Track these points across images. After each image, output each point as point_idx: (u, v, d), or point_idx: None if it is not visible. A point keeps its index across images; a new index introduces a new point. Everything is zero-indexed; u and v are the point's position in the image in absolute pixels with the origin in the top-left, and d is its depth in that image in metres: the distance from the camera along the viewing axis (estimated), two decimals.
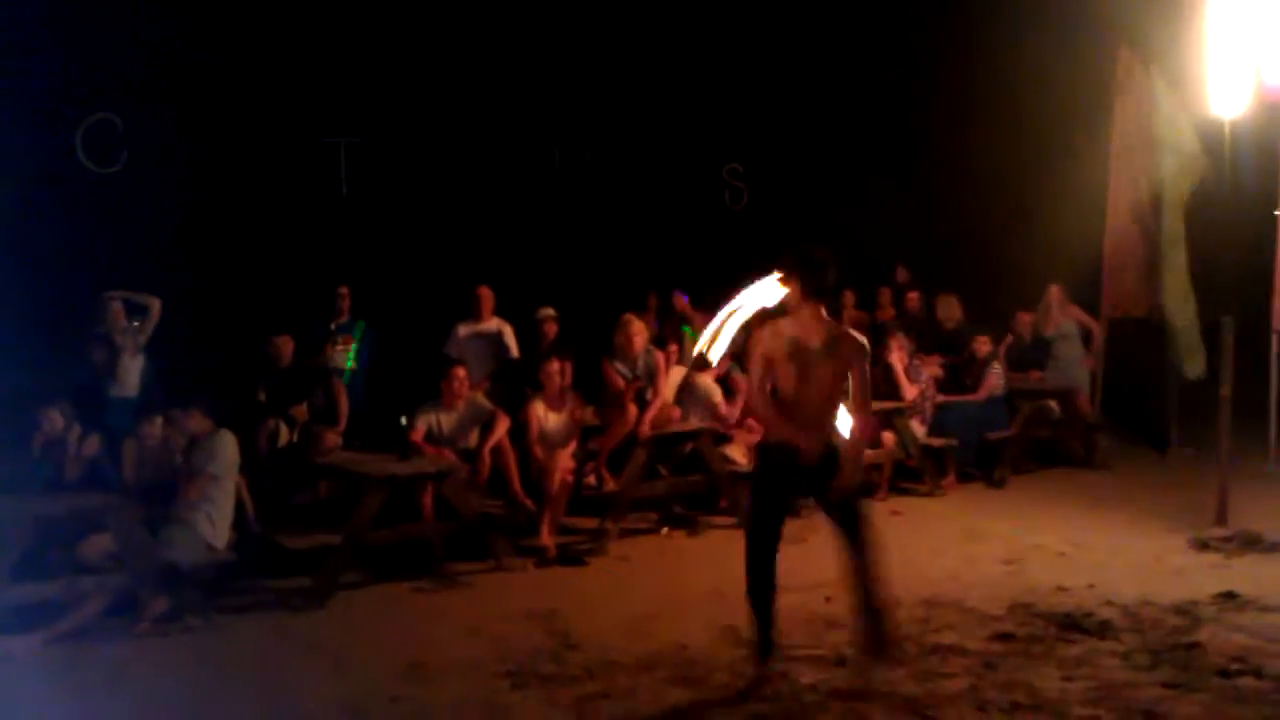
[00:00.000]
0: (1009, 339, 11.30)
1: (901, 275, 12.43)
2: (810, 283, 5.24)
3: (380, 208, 11.61)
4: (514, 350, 9.73)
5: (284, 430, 8.45)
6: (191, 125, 10.56)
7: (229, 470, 6.98)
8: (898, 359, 9.92)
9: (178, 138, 10.43)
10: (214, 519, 6.83)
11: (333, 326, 9.71)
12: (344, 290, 9.80)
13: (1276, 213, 9.56)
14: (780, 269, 5.34)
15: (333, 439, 8.33)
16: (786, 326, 5.25)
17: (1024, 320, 11.34)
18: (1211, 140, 8.78)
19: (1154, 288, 10.78)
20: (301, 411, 8.59)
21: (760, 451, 5.47)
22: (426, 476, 7.49)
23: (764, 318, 5.71)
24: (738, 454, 9.08)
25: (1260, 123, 8.56)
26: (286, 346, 8.89)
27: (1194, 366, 10.12)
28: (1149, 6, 10.00)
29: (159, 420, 7.44)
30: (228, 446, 7.00)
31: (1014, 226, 12.21)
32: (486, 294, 9.76)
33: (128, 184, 10.46)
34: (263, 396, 8.71)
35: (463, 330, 9.66)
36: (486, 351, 9.63)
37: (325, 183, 11.84)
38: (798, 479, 5.32)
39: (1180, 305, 10.34)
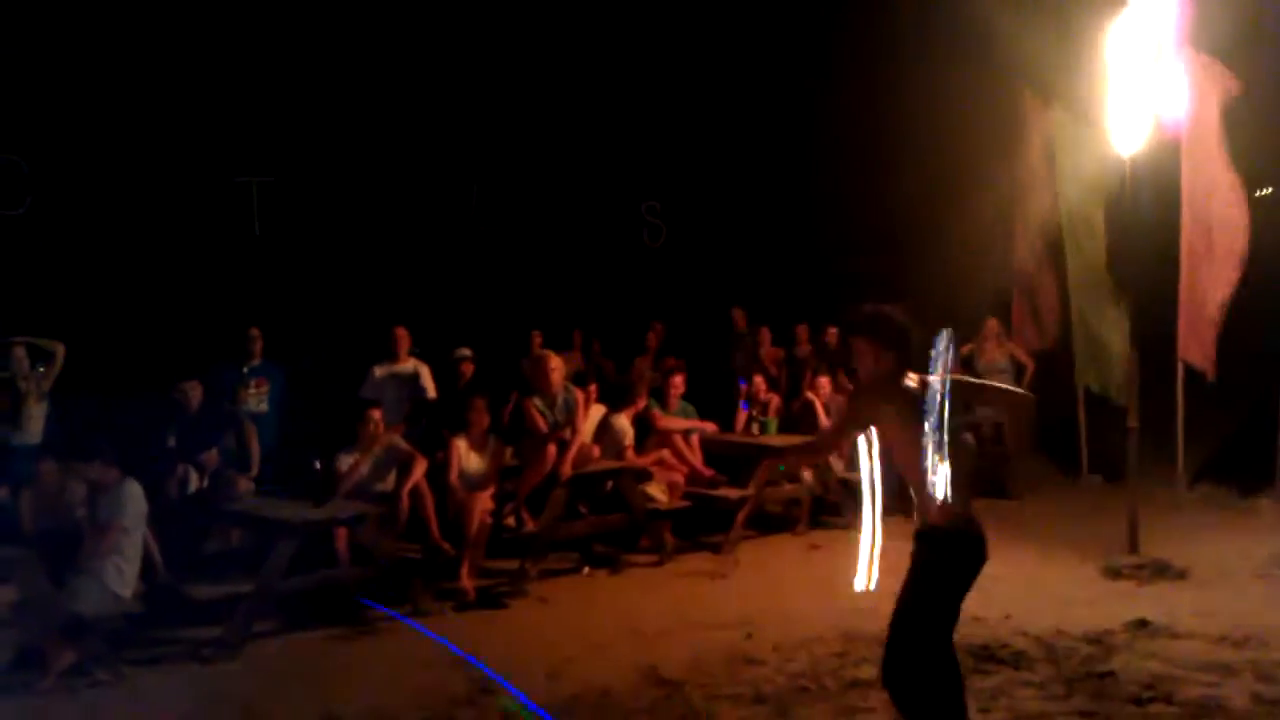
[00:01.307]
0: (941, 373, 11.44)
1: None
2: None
3: (293, 247, 11.47)
4: (431, 391, 9.64)
5: (194, 477, 8.27)
6: (98, 166, 10.38)
7: (136, 521, 6.78)
8: (817, 395, 10.03)
9: (83, 179, 10.24)
10: (121, 569, 6.61)
11: (244, 369, 9.53)
12: (255, 332, 9.63)
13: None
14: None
15: (245, 484, 8.17)
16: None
17: (955, 356, 11.53)
18: (1111, 176, 9.02)
19: (1061, 319, 11.08)
20: (212, 457, 8.41)
21: (945, 544, 4.24)
22: (341, 521, 7.36)
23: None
24: (658, 492, 9.08)
25: (1158, 158, 8.80)
26: (195, 391, 8.72)
27: (1116, 392, 10.33)
28: (1051, 47, 10.26)
29: (53, 465, 7.22)
30: (134, 496, 6.80)
31: (924, 261, 12.41)
32: (403, 334, 9.67)
33: (32, 226, 10.23)
34: (172, 442, 8.52)
35: (379, 371, 9.56)
36: (403, 393, 9.53)
37: (236, 222, 11.69)
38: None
39: (1099, 335, 10.60)
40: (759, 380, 10.70)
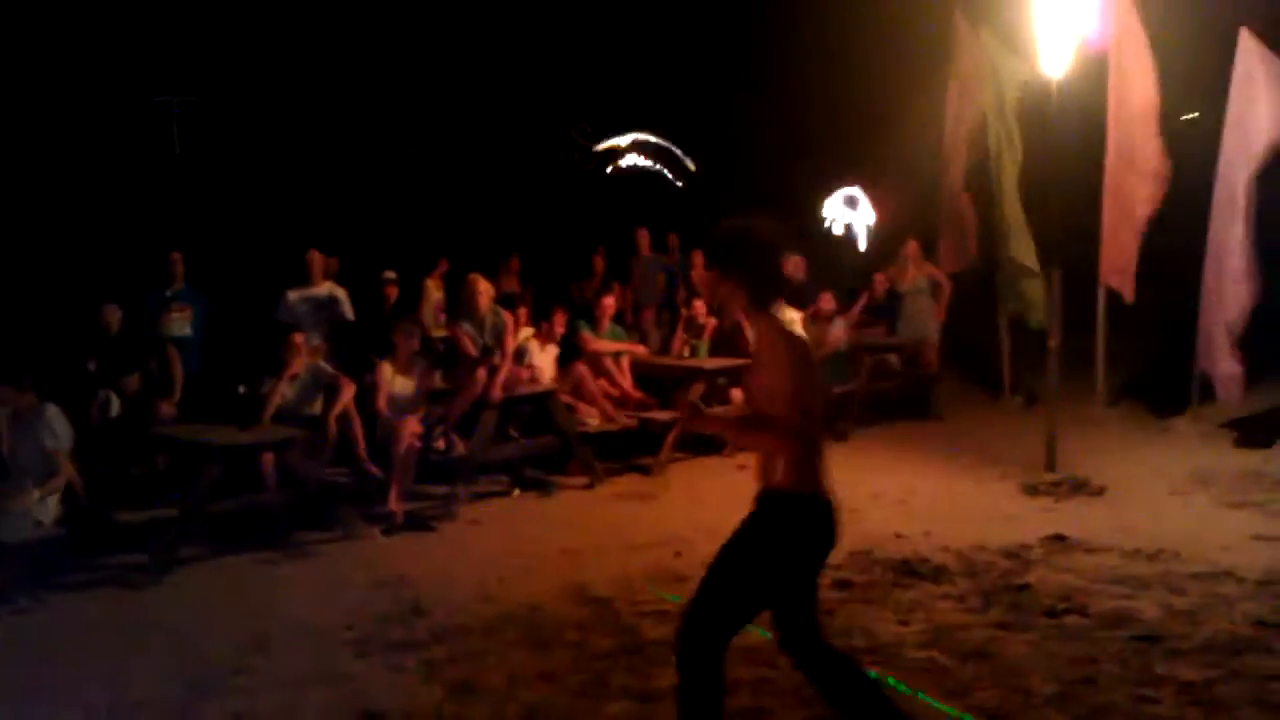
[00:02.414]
0: (864, 296, 11.60)
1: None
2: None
3: (215, 169, 11.24)
4: (349, 313, 9.56)
5: (115, 401, 8.14)
6: (14, 84, 10.04)
7: (58, 444, 6.69)
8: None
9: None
10: (41, 495, 6.54)
11: (167, 293, 9.36)
12: (177, 256, 9.46)
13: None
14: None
15: (167, 409, 8.06)
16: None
17: (879, 278, 11.67)
18: (1038, 99, 9.10)
19: (986, 242, 11.22)
20: (134, 382, 8.28)
21: (791, 510, 3.54)
22: (267, 446, 7.30)
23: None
24: (588, 414, 9.11)
25: (1083, 82, 8.88)
26: (115, 315, 8.57)
27: (1036, 316, 10.50)
28: None
29: None
30: (55, 420, 6.70)
31: (853, 180, 12.51)
32: (316, 258, 9.57)
33: None
34: (92, 367, 8.37)
35: (293, 296, 9.45)
36: (319, 316, 9.43)
37: (156, 143, 11.41)
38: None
39: (1021, 257, 10.75)
40: (697, 304, 10.73)
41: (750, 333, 3.75)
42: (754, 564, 3.54)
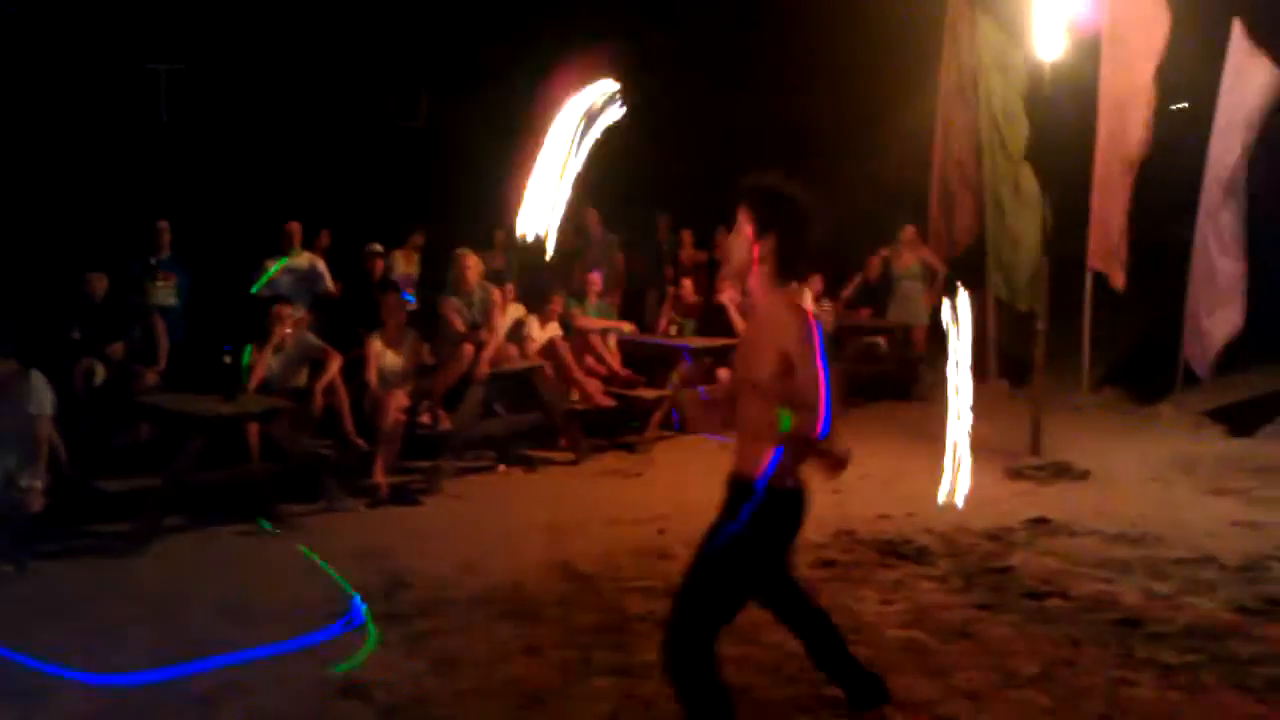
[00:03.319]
0: (858, 278, 11.65)
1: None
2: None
3: (203, 138, 11.15)
4: (329, 284, 9.53)
5: (100, 369, 8.10)
6: (2, 52, 9.95)
7: (40, 411, 6.64)
8: (730, 298, 10.06)
9: None
10: (24, 463, 6.50)
11: (153, 261, 9.30)
12: (163, 224, 9.39)
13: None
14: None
15: (152, 378, 8.03)
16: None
17: (873, 261, 11.72)
18: (1034, 82, 9.09)
19: (977, 226, 11.22)
20: (118, 350, 8.24)
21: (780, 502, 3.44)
22: (252, 416, 7.28)
23: None
24: (574, 392, 9.10)
25: (1077, 66, 8.87)
26: (101, 283, 8.52)
27: (1024, 300, 10.50)
28: None
29: None
30: (39, 389, 6.65)
31: (850, 167, 12.46)
32: (295, 228, 9.55)
33: None
34: (77, 335, 8.33)
35: (271, 265, 9.40)
36: (299, 286, 9.39)
37: (145, 111, 11.32)
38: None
39: (1011, 242, 10.73)
40: (686, 283, 10.74)
41: (752, 308, 3.57)
42: (744, 560, 3.45)
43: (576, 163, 4.88)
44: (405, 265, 10.96)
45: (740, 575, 3.47)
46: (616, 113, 4.64)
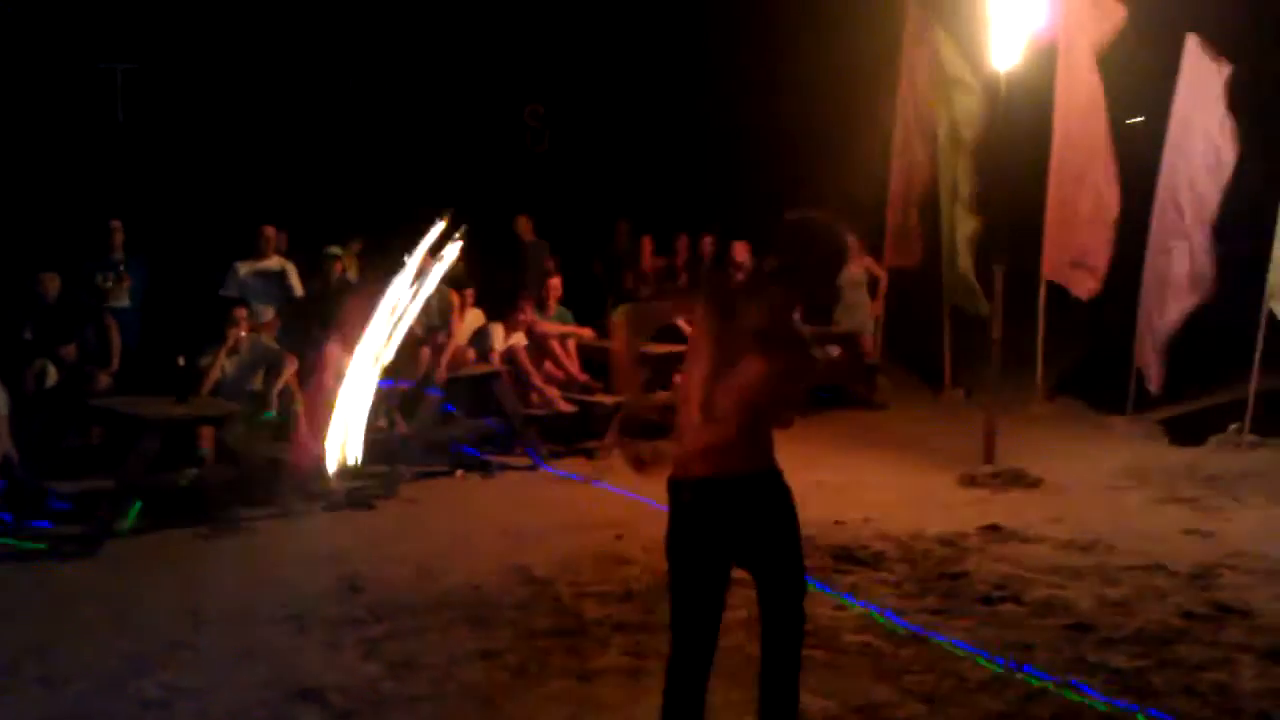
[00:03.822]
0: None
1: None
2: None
3: (159, 138, 11.04)
4: (298, 289, 9.46)
5: (52, 371, 8.00)
6: None
7: None
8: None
9: None
10: None
11: (106, 262, 9.18)
12: (117, 224, 9.28)
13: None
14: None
15: (104, 380, 7.94)
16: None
17: None
18: (989, 93, 9.20)
19: (931, 237, 11.33)
20: (70, 351, 8.14)
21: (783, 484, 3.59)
22: (205, 419, 7.21)
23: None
24: (534, 397, 9.09)
25: (1033, 76, 8.98)
26: (53, 283, 8.40)
27: (980, 307, 10.59)
28: None
29: None
30: None
31: (805, 177, 12.51)
32: (270, 232, 9.45)
33: None
34: (29, 335, 8.22)
35: (243, 269, 9.32)
36: (269, 291, 9.32)
37: (99, 110, 11.20)
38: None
39: (963, 251, 10.85)
40: (644, 290, 10.75)
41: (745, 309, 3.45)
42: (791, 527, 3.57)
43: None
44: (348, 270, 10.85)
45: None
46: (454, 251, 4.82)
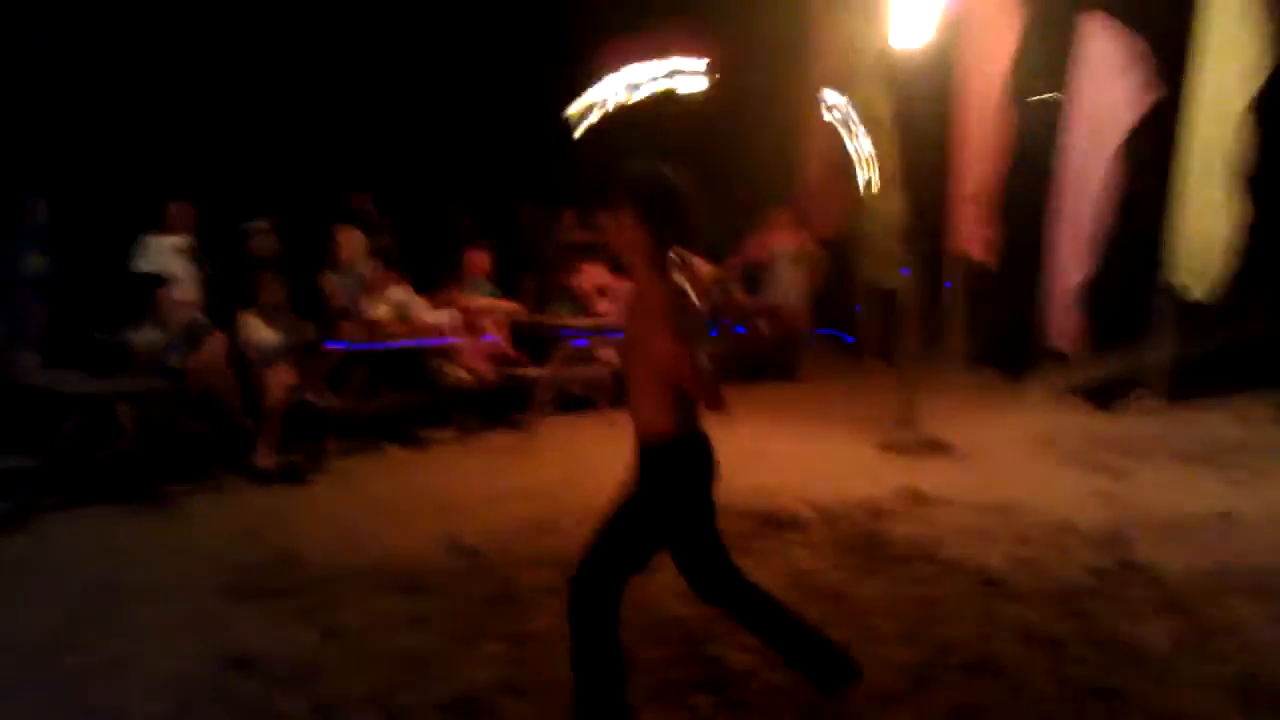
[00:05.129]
0: (734, 261, 11.88)
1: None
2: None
3: (75, 113, 10.84)
4: (206, 264, 9.40)
5: None
6: None
7: None
8: (587, 280, 10.21)
9: None
10: None
11: (26, 238, 9.02)
12: (38, 199, 9.11)
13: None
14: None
15: (26, 356, 7.84)
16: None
17: (749, 243, 11.97)
18: (895, 70, 9.37)
19: (850, 210, 11.53)
20: None
21: (681, 451, 3.74)
22: (126, 395, 7.17)
23: None
24: (461, 371, 9.14)
25: (938, 53, 9.16)
26: None
27: (894, 278, 10.82)
28: None
29: None
30: None
31: (724, 156, 12.64)
32: (177, 209, 9.37)
33: None
34: None
35: (152, 243, 9.23)
36: (180, 265, 9.25)
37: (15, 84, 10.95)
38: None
39: (884, 226, 11.06)
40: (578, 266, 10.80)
41: (635, 287, 3.68)
42: (653, 512, 3.71)
43: None
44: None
45: (651, 526, 3.75)
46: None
